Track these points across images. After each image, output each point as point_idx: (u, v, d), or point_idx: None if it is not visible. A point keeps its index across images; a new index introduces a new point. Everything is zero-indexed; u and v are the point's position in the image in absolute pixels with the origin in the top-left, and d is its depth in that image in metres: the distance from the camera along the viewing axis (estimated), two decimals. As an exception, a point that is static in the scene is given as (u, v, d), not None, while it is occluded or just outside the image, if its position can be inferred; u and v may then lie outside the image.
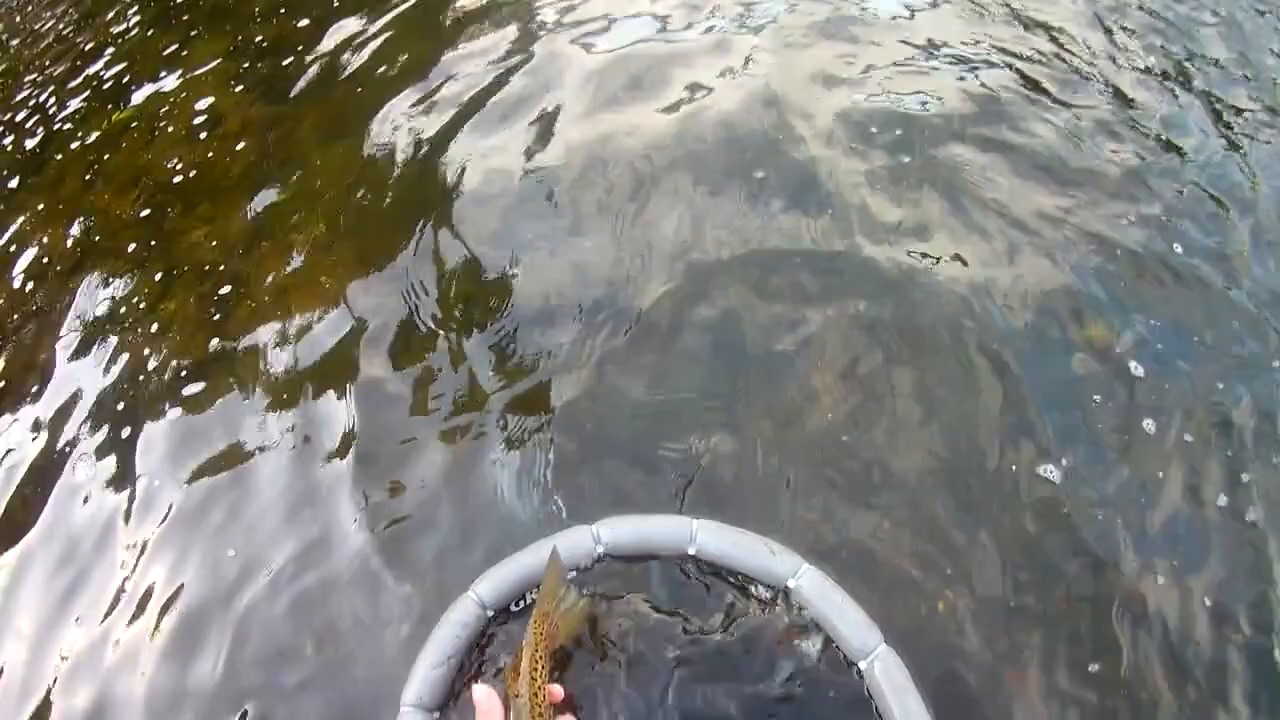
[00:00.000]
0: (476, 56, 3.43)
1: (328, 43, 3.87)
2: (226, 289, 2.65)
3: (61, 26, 5.49)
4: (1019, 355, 2.04)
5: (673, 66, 3.05)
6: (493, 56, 3.39)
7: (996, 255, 2.29)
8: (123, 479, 2.20)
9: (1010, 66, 3.00)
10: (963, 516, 1.76)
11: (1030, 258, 2.28)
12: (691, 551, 1.59)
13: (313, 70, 3.69)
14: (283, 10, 4.43)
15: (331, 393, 2.20)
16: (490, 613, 1.55)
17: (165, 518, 2.05)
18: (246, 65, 3.97)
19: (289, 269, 2.63)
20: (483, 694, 1.19)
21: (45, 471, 2.32)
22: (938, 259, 2.26)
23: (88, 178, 3.54)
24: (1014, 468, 1.83)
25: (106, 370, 2.57)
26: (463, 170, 2.79)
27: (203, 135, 3.49)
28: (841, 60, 3.01)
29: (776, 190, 2.47)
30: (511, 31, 3.57)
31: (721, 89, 2.91)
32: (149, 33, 4.75)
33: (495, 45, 3.48)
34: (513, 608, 1.56)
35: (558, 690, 1.20)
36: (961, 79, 2.91)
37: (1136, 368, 2.04)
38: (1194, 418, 1.97)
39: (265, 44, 4.12)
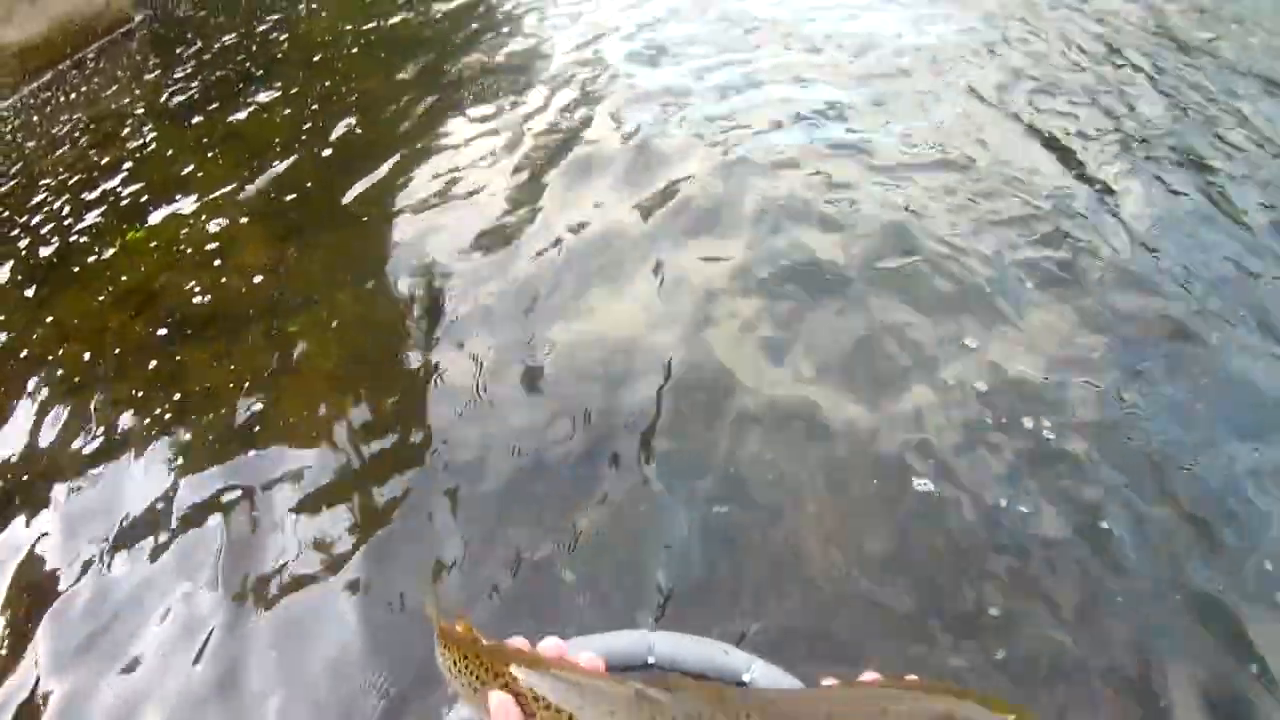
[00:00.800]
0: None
1: (346, 179, 4.26)
2: (240, 418, 2.90)
3: (77, 135, 5.84)
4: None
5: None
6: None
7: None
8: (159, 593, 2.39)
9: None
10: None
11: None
12: (651, 661, 1.84)
13: (329, 202, 4.07)
14: (301, 138, 4.85)
15: (329, 519, 2.45)
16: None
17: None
18: (262, 193, 4.34)
19: (299, 402, 2.90)
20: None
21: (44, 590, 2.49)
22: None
23: (101, 298, 3.80)
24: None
25: (115, 490, 2.78)
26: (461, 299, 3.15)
27: (217, 262, 3.80)
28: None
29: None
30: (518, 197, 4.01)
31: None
32: (168, 152, 5.12)
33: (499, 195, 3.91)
34: None
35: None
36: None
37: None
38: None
39: (282, 175, 4.50)
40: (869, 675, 0.82)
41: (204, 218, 4.21)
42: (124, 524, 2.63)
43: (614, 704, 0.84)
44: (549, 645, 0.93)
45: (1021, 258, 3.14)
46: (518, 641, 0.92)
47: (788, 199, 3.53)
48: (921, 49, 5.00)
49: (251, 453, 2.74)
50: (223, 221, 4.11)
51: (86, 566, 2.52)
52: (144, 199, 4.59)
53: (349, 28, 6.84)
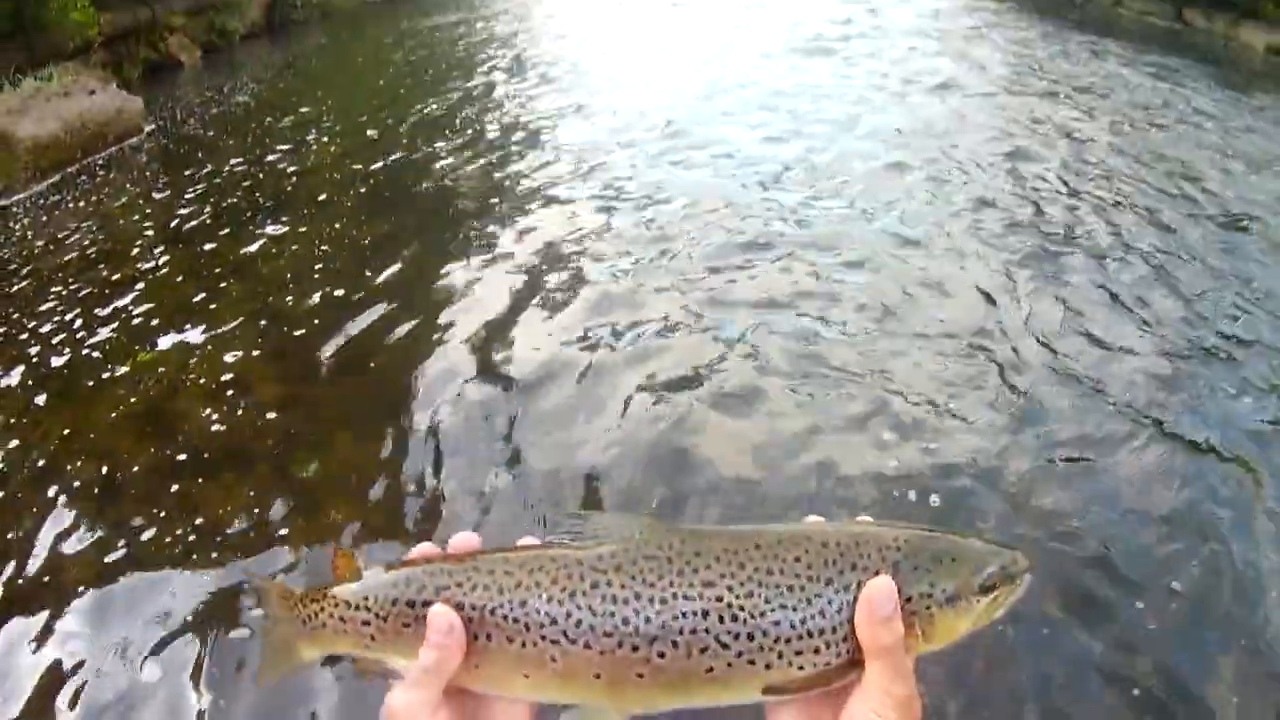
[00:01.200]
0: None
1: (352, 326, 4.77)
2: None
3: (86, 244, 6.24)
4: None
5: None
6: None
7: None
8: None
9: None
10: None
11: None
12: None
13: (338, 349, 4.56)
14: (314, 277, 5.37)
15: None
16: None
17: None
18: (273, 330, 4.80)
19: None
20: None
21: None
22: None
23: (113, 415, 4.15)
24: None
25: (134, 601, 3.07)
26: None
27: (230, 393, 4.21)
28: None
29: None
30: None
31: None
32: (178, 278, 5.56)
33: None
34: None
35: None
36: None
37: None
38: None
39: (291, 311, 4.98)
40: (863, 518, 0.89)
41: (212, 348, 4.63)
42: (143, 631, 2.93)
43: (561, 568, 0.84)
44: (461, 540, 0.89)
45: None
46: (424, 549, 0.89)
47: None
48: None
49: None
50: (237, 354, 4.54)
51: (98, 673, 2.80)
52: (154, 321, 4.97)
53: (357, 166, 7.53)
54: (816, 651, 0.82)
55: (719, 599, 0.82)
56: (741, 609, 0.82)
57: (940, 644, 0.86)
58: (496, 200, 6.56)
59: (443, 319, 4.82)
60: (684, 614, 0.82)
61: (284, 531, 3.33)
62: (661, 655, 0.82)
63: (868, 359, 4.27)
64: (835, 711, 0.83)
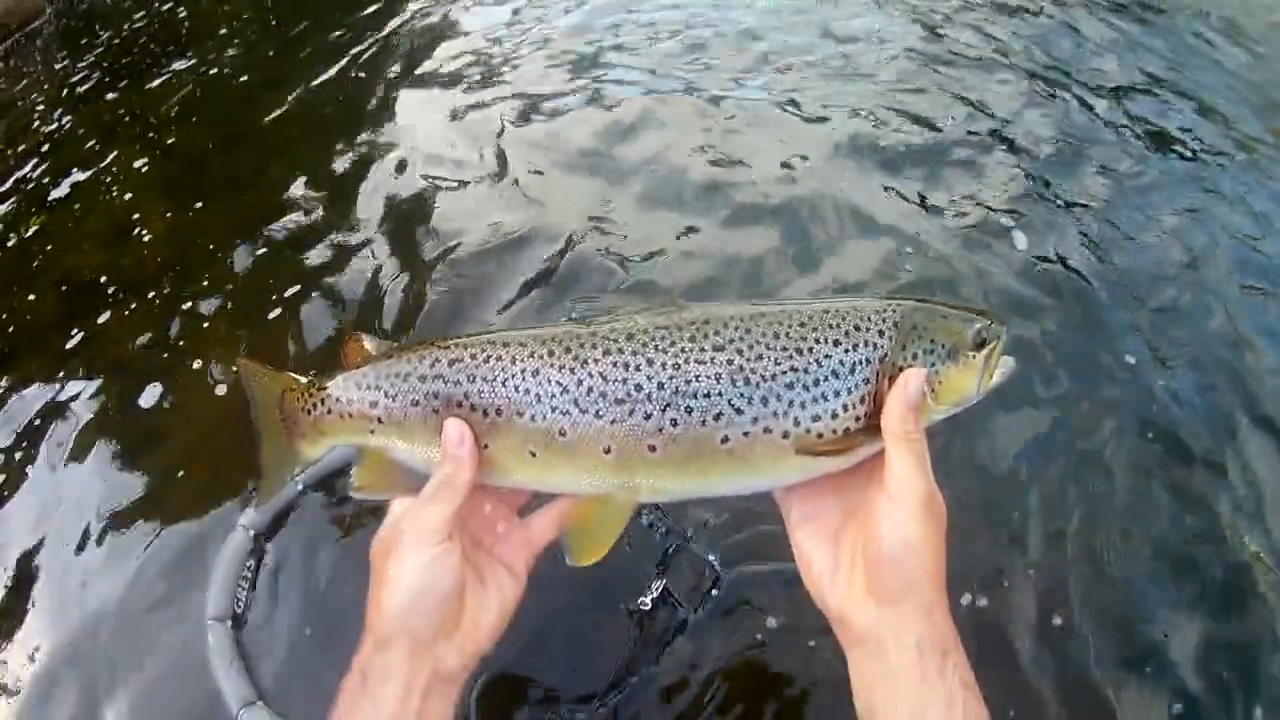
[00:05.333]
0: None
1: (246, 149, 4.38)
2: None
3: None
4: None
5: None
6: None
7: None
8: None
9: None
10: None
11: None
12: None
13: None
14: (209, 110, 4.94)
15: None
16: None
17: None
18: (166, 164, 4.46)
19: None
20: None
21: None
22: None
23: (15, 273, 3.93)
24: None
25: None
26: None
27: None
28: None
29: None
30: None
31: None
32: (79, 134, 5.21)
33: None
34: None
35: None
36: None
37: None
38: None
39: (188, 144, 4.61)
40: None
41: (108, 193, 4.33)
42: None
43: (574, 338, 0.81)
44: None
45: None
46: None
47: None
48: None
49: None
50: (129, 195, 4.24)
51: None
52: (55, 180, 4.66)
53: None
54: (834, 416, 0.80)
55: (729, 361, 0.79)
56: (754, 372, 0.79)
57: (948, 404, 0.86)
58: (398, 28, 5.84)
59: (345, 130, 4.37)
60: (696, 377, 0.79)
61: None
62: (674, 424, 0.78)
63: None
64: (844, 509, 0.85)
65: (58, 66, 6.77)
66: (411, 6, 5.94)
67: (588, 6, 5.41)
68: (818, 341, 0.82)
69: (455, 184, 3.70)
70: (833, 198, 3.34)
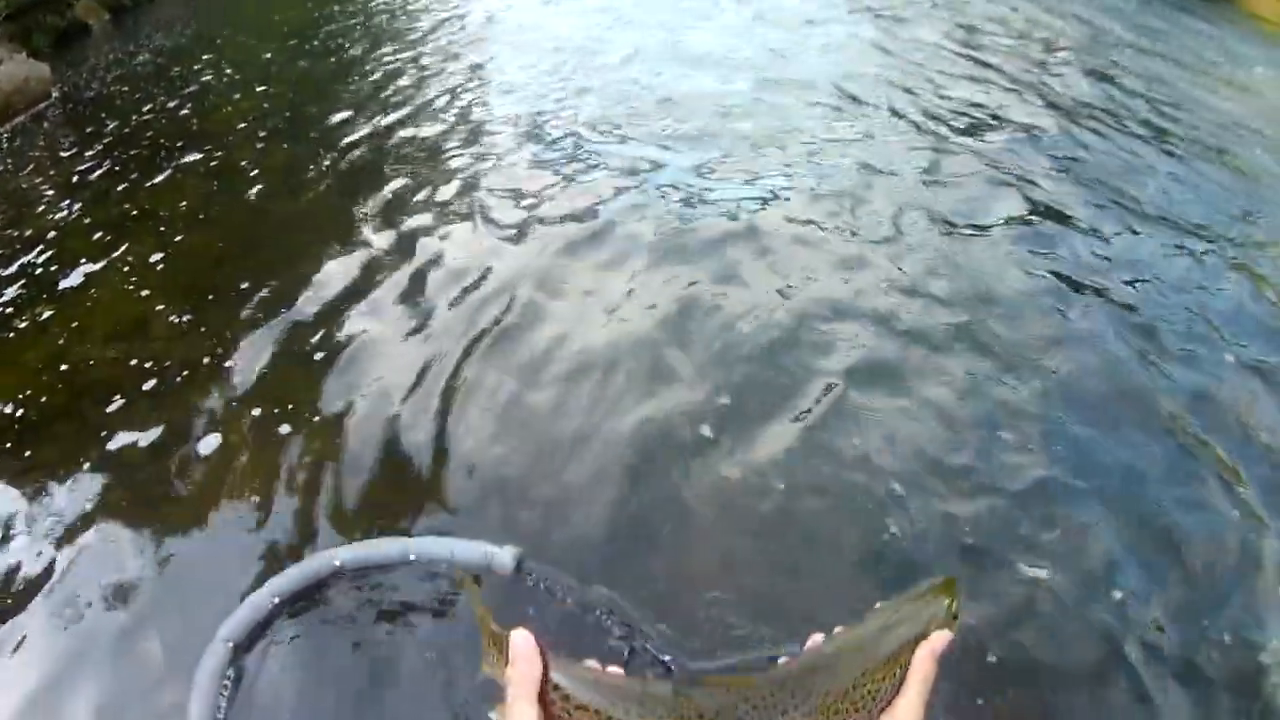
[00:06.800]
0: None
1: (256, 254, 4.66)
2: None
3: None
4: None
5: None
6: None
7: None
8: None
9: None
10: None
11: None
12: (412, 558, 2.47)
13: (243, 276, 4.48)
14: (214, 211, 5.23)
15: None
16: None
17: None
18: (178, 264, 4.71)
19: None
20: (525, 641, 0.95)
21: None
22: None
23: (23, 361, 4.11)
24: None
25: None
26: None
27: (131, 329, 4.15)
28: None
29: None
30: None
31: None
32: (85, 224, 5.44)
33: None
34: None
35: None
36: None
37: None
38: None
39: (195, 246, 4.88)
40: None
41: (116, 289, 4.56)
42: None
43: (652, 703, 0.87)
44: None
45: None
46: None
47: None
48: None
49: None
50: (142, 292, 4.48)
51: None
52: (63, 270, 4.88)
53: (260, 105, 7.29)
54: None
55: None
56: None
57: None
58: (401, 137, 6.33)
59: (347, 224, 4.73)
60: None
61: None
62: None
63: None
64: None
65: (64, 154, 7.04)
66: (434, 97, 6.40)
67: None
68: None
69: (458, 296, 4.03)
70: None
